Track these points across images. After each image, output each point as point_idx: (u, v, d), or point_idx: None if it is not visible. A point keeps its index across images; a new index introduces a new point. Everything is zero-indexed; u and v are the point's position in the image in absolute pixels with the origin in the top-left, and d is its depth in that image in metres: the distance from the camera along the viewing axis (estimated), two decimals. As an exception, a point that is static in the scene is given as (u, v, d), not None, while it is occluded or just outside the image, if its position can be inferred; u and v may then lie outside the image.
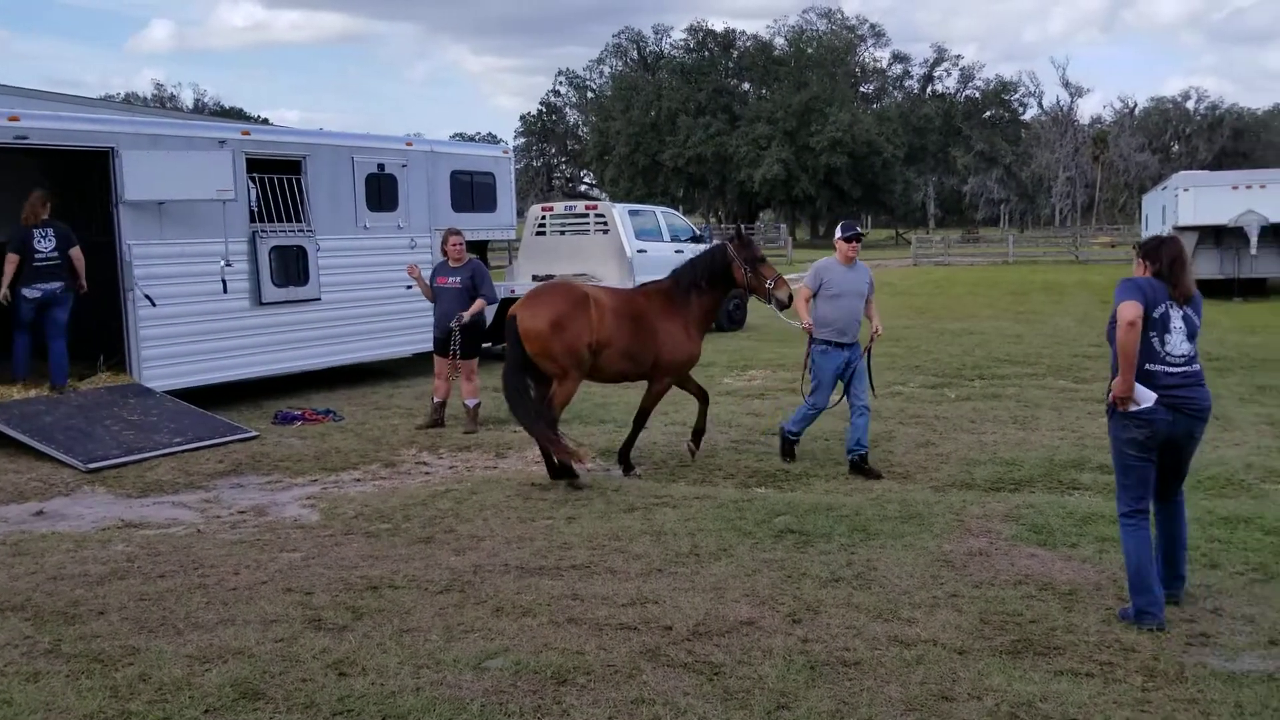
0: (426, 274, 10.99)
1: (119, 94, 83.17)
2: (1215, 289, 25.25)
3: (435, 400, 10.86)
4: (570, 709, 4.36)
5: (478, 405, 10.73)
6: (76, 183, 12.38)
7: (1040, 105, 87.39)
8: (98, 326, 11.79)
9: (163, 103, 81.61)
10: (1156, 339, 5.17)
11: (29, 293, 10.52)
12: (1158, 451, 5.22)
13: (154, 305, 11.19)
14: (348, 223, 13.18)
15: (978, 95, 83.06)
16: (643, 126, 71.57)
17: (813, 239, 79.18)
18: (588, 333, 8.16)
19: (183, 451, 9.64)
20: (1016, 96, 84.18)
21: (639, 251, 17.73)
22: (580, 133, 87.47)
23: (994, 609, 5.44)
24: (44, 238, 10.58)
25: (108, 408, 10.45)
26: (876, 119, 71.05)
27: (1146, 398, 5.13)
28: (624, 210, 18.25)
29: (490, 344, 16.68)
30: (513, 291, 15.72)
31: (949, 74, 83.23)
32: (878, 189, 72.10)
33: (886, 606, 5.49)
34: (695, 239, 19.47)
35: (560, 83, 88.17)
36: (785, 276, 8.67)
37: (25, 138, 10.42)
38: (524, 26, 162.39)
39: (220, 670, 4.80)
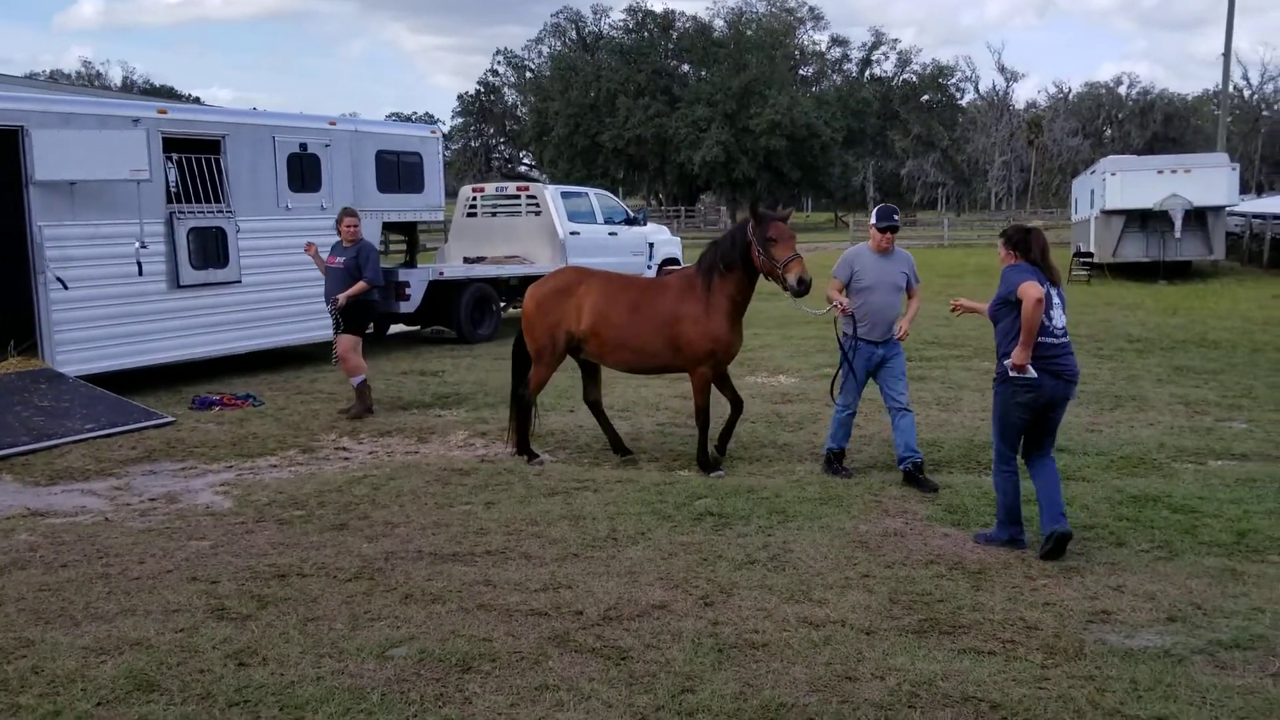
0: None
1: (44, 72, 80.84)
2: (1141, 271, 25.87)
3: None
4: (472, 696, 4.32)
5: (361, 383, 10.46)
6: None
7: (977, 90, 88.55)
8: (8, 310, 11.45)
9: (90, 81, 79.38)
10: (1044, 315, 5.86)
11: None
12: (1038, 412, 5.99)
13: (66, 288, 10.88)
14: (269, 203, 12.93)
15: (915, 79, 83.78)
16: (582, 107, 71.14)
17: (753, 222, 79.57)
18: (568, 321, 8.15)
19: (95, 438, 9.41)
20: (953, 81, 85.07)
21: (572, 233, 17.62)
22: (519, 113, 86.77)
23: (904, 589, 5.50)
24: (-53, 219, 10.23)
25: (18, 394, 10.16)
26: (815, 102, 71.36)
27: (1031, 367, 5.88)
28: (556, 192, 18.12)
29: (421, 326, 16.54)
30: (441, 274, 15.59)
31: (887, 58, 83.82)
32: (817, 172, 72.45)
33: (799, 588, 5.53)
34: (629, 221, 19.42)
35: (498, 62, 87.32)
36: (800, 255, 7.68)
37: (-74, 115, 10.05)
38: (461, 5, 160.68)
39: (116, 662, 4.69)
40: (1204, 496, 7.08)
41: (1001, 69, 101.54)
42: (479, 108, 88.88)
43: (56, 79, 70.21)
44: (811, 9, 79.24)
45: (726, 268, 7.80)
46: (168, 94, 70.16)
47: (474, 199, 18.52)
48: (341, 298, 10.28)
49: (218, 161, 12.43)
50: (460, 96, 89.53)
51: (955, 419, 9.88)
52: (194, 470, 8.40)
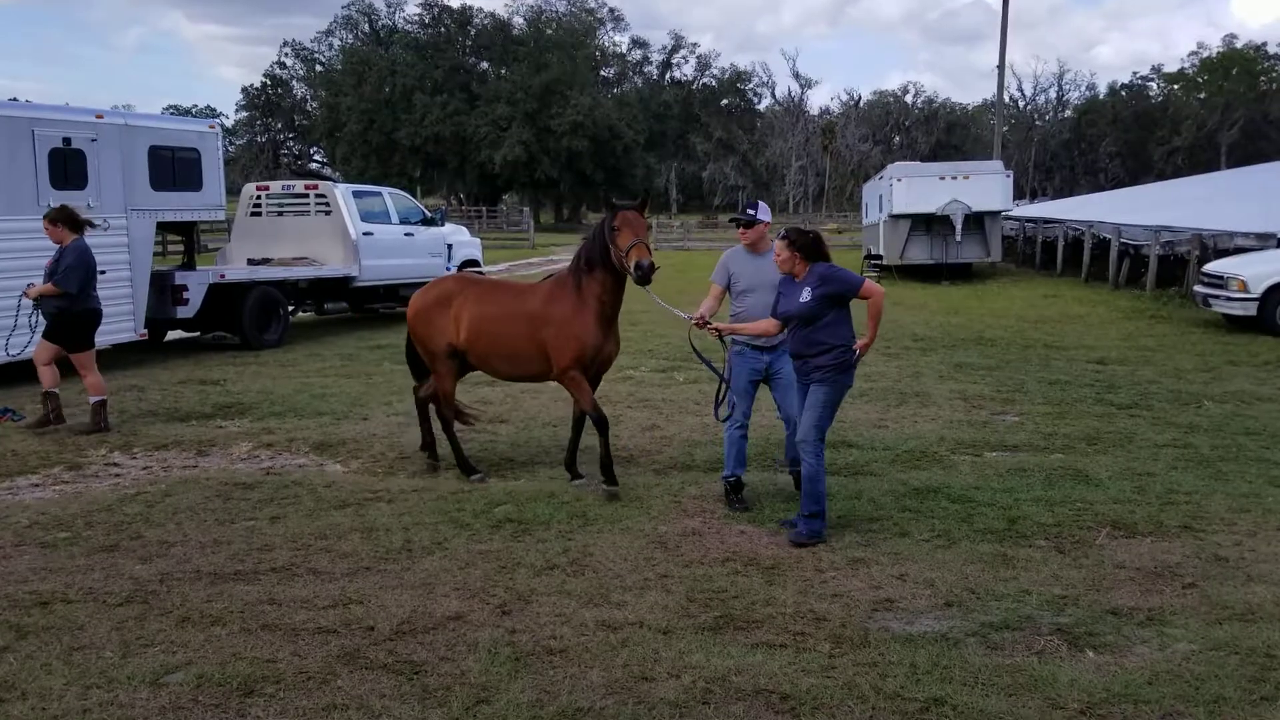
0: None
1: None
2: (925, 273, 27.46)
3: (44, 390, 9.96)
4: (256, 721, 4.18)
5: (99, 404, 9.81)
6: None
7: (773, 95, 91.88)
8: None
9: None
10: None
11: None
12: None
13: None
14: (28, 202, 12.06)
15: (714, 84, 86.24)
16: (376, 103, 69.64)
17: (557, 223, 79.79)
18: (448, 333, 7.94)
19: None
20: (751, 86, 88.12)
21: (365, 234, 17.25)
22: (309, 107, 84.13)
23: (700, 587, 5.67)
24: None
25: None
26: (617, 104, 72.36)
27: None
28: (347, 191, 17.70)
29: (201, 332, 15.79)
30: (222, 276, 14.94)
31: (687, 61, 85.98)
32: (620, 173, 73.42)
33: (598, 591, 5.61)
34: (427, 221, 19.16)
35: (286, 54, 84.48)
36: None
37: None
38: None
39: None
40: (979, 486, 7.60)
41: (796, 75, 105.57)
42: (265, 101, 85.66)
43: None
44: (611, 10, 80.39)
45: (589, 267, 7.54)
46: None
47: (258, 197, 17.87)
48: (32, 291, 9.73)
49: (-35, 154, 11.50)
50: (245, 90, 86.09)
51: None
52: (-61, 494, 7.75)
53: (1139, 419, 10.08)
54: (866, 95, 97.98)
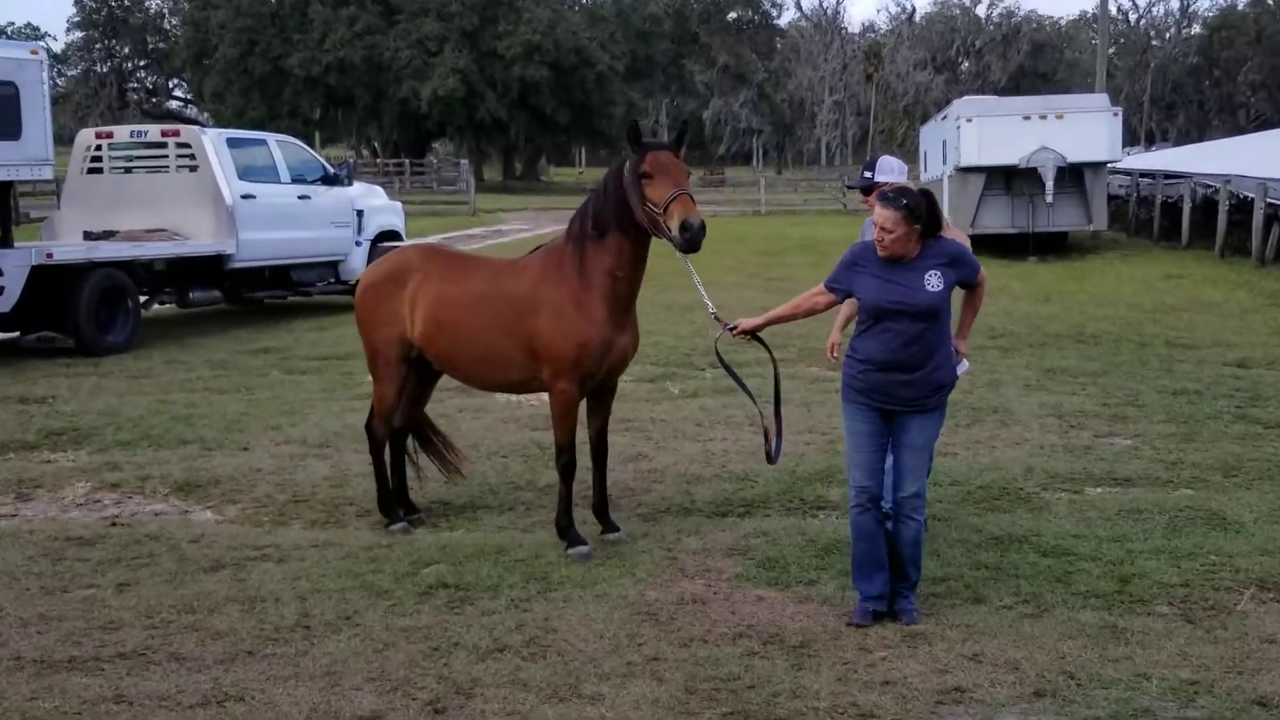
0: None
1: None
2: (1006, 246, 27.58)
3: None
4: None
5: None
6: None
7: (799, 7, 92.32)
8: None
9: None
10: None
11: None
12: None
13: None
14: None
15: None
16: (258, 19, 69.43)
17: (507, 179, 79.83)
18: (400, 322, 7.86)
19: None
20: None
21: (244, 197, 17.23)
22: (167, 25, 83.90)
23: (704, 674, 5.68)
24: None
25: None
26: (587, 18, 72.39)
27: None
28: (220, 139, 17.67)
29: (21, 333, 15.73)
30: (49, 256, 14.88)
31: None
32: (591, 113, 73.42)
33: (564, 681, 5.62)
34: (328, 180, 19.15)
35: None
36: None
37: None
38: None
39: None
40: (1080, 535, 7.63)
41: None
42: (107, 18, 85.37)
43: None
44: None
45: (599, 231, 7.31)
46: None
47: (99, 148, 17.85)
48: None
49: None
50: (79, 2, 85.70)
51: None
52: None
53: (1294, 441, 10.16)
54: (924, 6, 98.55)
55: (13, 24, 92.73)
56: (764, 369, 13.56)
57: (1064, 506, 8.34)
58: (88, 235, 16.69)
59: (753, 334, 7.05)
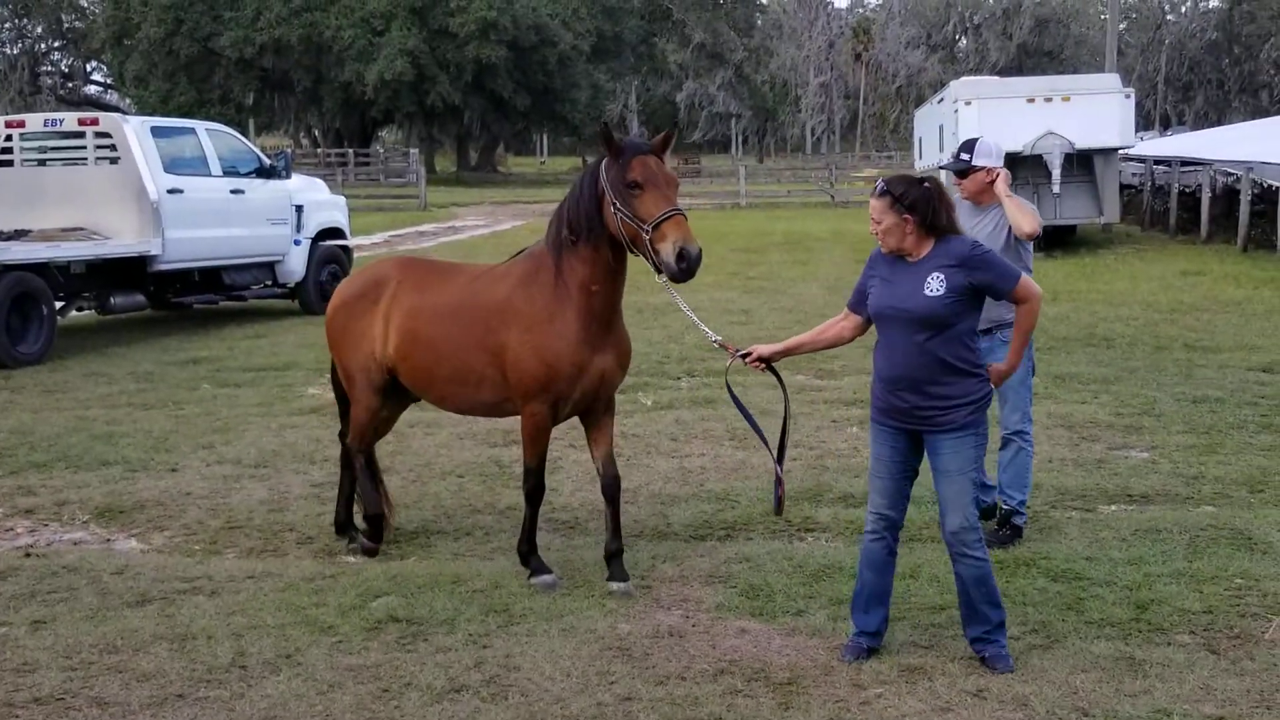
0: None
1: None
2: (1010, 240, 27.65)
3: None
4: None
5: None
6: None
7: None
8: None
9: None
10: None
11: None
12: None
13: None
14: None
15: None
16: (186, -6, 69.28)
17: (460, 170, 79.78)
18: (372, 340, 7.86)
19: None
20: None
21: (170, 191, 17.17)
22: (84, 3, 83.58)
23: (682, 714, 5.68)
24: None
25: None
26: (549, -8, 72.41)
27: None
28: (144, 127, 17.61)
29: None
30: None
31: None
32: (553, 97, 73.47)
33: (528, 724, 5.61)
34: (264, 172, 19.11)
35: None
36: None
37: None
38: None
39: None
40: (1092, 557, 7.66)
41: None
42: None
43: None
44: None
45: (575, 237, 7.15)
46: None
47: (9, 138, 17.80)
48: None
49: None
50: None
51: (756, 460, 10.25)
52: None
53: (1325, 453, 10.23)
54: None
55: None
56: (747, 375, 13.62)
57: (1075, 526, 8.38)
58: (-5, 235, 16.61)
59: (767, 364, 6.87)
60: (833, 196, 49.23)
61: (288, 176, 19.78)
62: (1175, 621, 6.68)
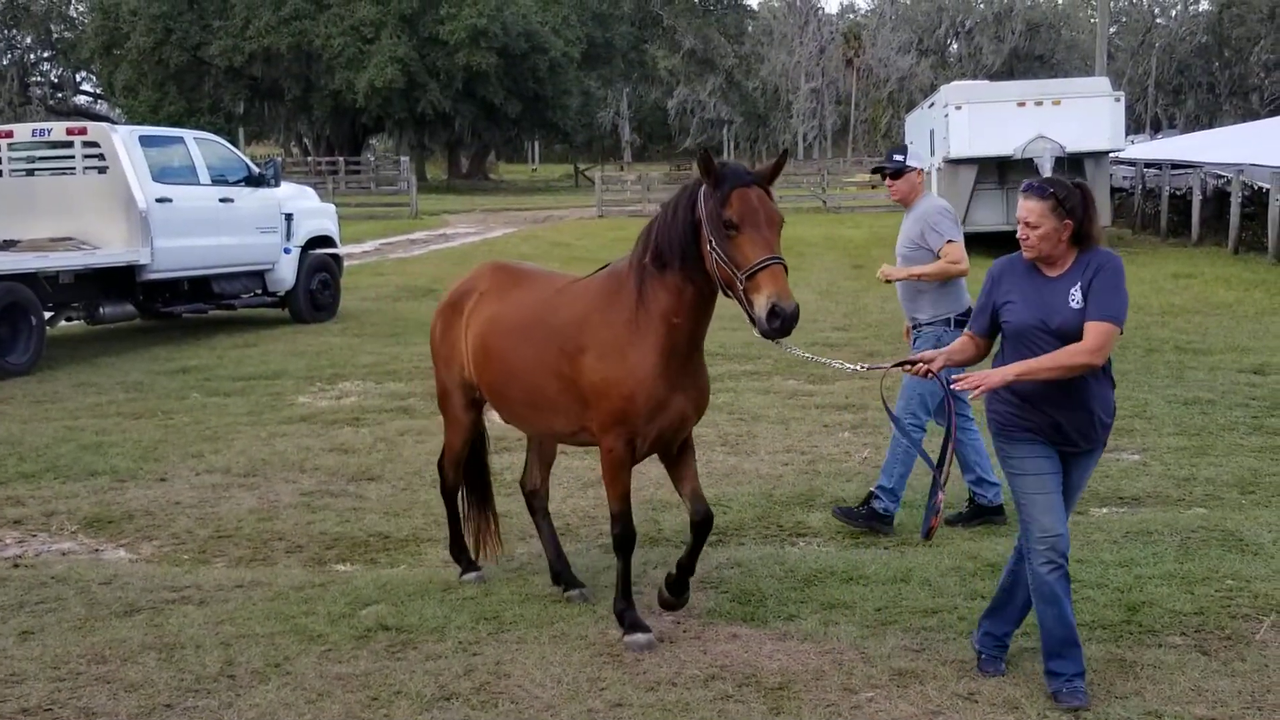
0: None
1: None
2: (999, 244, 27.59)
3: None
4: None
5: None
6: None
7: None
8: None
9: None
10: None
11: None
12: None
13: None
14: None
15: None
16: (174, 3, 69.13)
17: (451, 178, 79.78)
18: (455, 355, 7.50)
19: None
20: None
21: (159, 200, 17.16)
22: (74, 13, 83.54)
23: (673, 720, 5.67)
24: None
25: None
26: (539, 1, 72.45)
27: None
28: (132, 137, 17.60)
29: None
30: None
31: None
32: (544, 104, 73.45)
33: (518, 731, 5.60)
34: (253, 181, 19.10)
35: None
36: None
37: None
38: None
39: None
40: (1084, 559, 7.64)
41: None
42: (8, 5, 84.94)
43: None
44: None
45: (659, 264, 6.52)
46: None
47: (-4, 150, 17.74)
48: None
49: None
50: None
51: (748, 464, 10.27)
52: None
53: (1316, 454, 10.24)
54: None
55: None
56: (737, 381, 13.61)
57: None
58: (-14, 245, 16.59)
59: (936, 376, 6.37)
60: (824, 202, 49.09)
61: (277, 185, 19.76)
62: (1167, 623, 6.69)
